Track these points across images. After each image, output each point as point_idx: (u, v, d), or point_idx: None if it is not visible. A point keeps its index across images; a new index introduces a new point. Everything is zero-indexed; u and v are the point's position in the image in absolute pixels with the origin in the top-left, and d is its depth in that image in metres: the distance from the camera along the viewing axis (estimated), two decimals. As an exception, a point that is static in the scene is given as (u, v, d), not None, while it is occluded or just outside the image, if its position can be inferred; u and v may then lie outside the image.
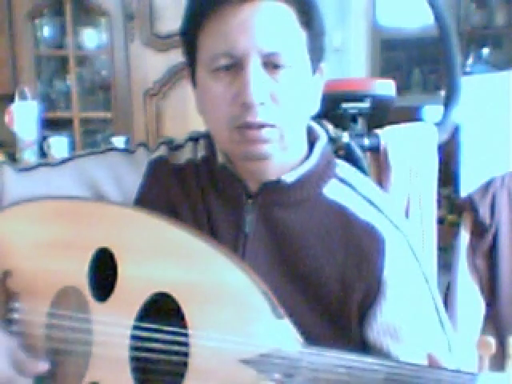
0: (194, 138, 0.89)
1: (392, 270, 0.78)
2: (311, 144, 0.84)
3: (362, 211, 0.80)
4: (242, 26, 0.71)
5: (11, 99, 2.52)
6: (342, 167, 0.86)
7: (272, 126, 0.74)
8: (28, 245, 0.83)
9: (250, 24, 0.71)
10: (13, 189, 0.86)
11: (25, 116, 2.50)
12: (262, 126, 0.73)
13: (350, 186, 0.83)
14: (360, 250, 0.78)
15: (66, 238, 0.81)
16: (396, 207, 0.91)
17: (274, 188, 0.79)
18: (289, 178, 0.79)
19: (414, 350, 0.79)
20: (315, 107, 0.82)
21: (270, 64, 0.72)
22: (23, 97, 2.51)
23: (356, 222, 0.79)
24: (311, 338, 0.71)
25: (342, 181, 0.84)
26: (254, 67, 0.72)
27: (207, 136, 0.86)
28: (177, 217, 0.81)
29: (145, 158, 0.87)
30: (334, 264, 0.78)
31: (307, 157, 0.82)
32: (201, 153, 0.86)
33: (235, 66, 0.73)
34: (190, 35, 0.77)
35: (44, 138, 2.67)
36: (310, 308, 0.78)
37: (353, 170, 0.88)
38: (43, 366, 0.77)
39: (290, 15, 0.74)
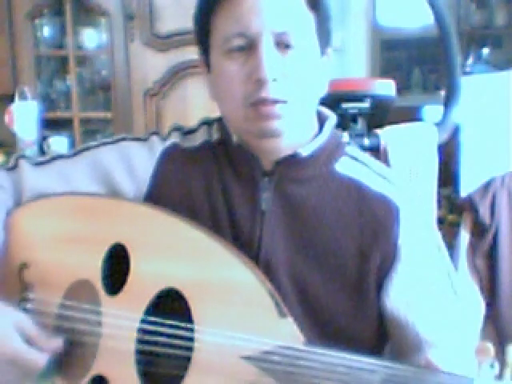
0: (208, 122, 0.92)
1: (406, 237, 0.81)
2: (321, 126, 0.87)
3: (374, 184, 0.83)
4: (254, 8, 0.76)
5: (11, 99, 2.52)
6: (352, 147, 0.90)
7: (284, 102, 0.77)
8: (46, 239, 0.86)
9: (261, 6, 0.76)
10: (31, 183, 0.89)
11: (25, 116, 2.50)
12: (275, 101, 0.76)
13: (361, 162, 0.87)
14: (375, 219, 0.81)
15: (82, 233, 0.84)
16: (405, 182, 0.94)
17: (288, 163, 0.82)
18: (304, 151, 0.82)
19: (428, 315, 0.81)
20: (323, 89, 0.84)
21: (282, 44, 0.76)
22: (23, 97, 2.51)
23: (369, 194, 0.82)
24: (329, 312, 0.74)
25: (353, 158, 0.87)
26: (267, 45, 0.75)
27: (220, 120, 0.89)
28: (192, 198, 0.83)
29: (159, 145, 0.90)
30: (351, 236, 0.81)
31: (318, 135, 0.85)
32: (216, 135, 0.89)
33: (248, 47, 0.76)
34: (203, 21, 0.81)
35: (44, 138, 2.67)
36: (328, 282, 0.80)
37: (361, 151, 0.91)
38: (57, 343, 0.78)
39: None
